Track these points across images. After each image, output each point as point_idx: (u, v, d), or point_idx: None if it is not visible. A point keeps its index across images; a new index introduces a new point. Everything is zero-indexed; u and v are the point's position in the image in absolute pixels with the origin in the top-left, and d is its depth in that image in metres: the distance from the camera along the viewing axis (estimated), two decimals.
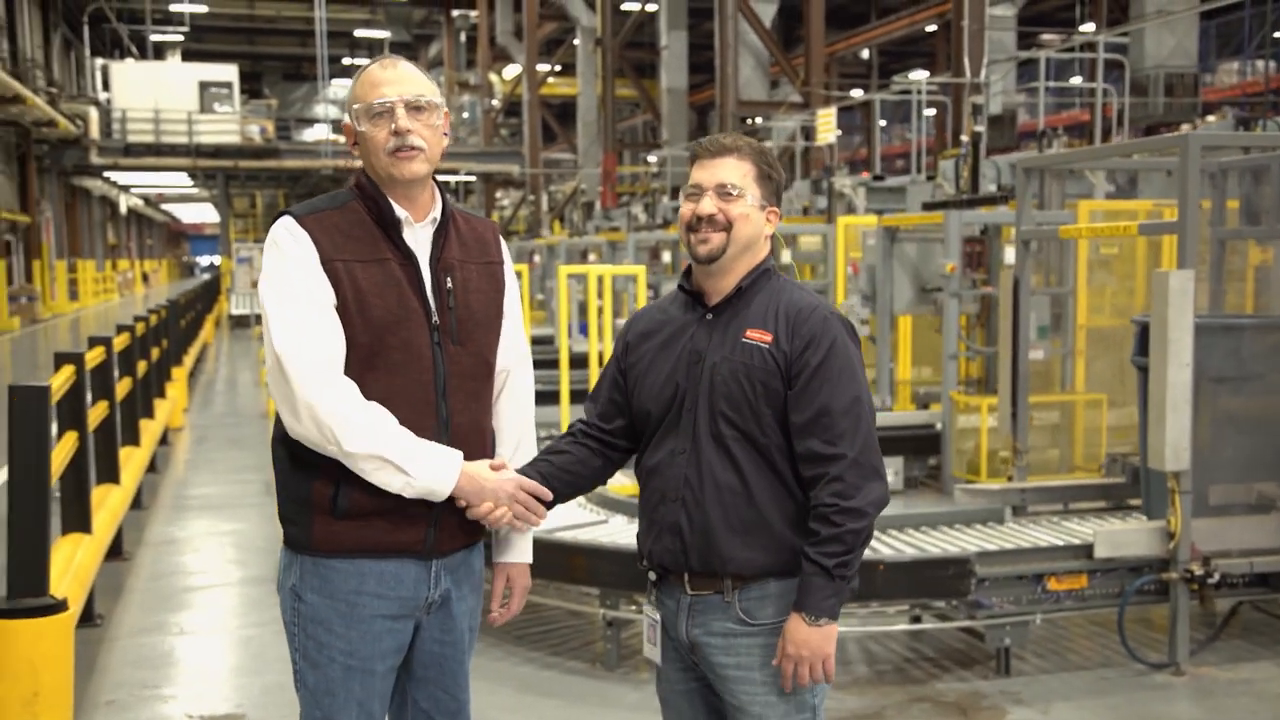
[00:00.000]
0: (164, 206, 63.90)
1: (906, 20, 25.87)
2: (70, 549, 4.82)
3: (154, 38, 40.68)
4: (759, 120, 18.90)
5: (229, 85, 36.17)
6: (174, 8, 39.31)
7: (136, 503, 7.56)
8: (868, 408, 2.32)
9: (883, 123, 32.86)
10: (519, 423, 2.56)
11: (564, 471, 2.47)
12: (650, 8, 25.00)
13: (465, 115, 38.89)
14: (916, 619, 5.00)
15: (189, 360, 14.21)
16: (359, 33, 44.33)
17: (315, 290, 2.27)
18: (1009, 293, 6.24)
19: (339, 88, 50.04)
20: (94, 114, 33.25)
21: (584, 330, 10.72)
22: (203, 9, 40.13)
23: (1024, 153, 11.68)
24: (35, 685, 3.63)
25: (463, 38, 40.31)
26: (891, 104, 27.89)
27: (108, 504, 5.84)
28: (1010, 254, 7.09)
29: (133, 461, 7.07)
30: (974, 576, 4.58)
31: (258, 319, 20.44)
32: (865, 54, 34.91)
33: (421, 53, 45.99)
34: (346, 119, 2.40)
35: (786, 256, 12.09)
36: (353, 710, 2.36)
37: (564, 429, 6.73)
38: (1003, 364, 6.25)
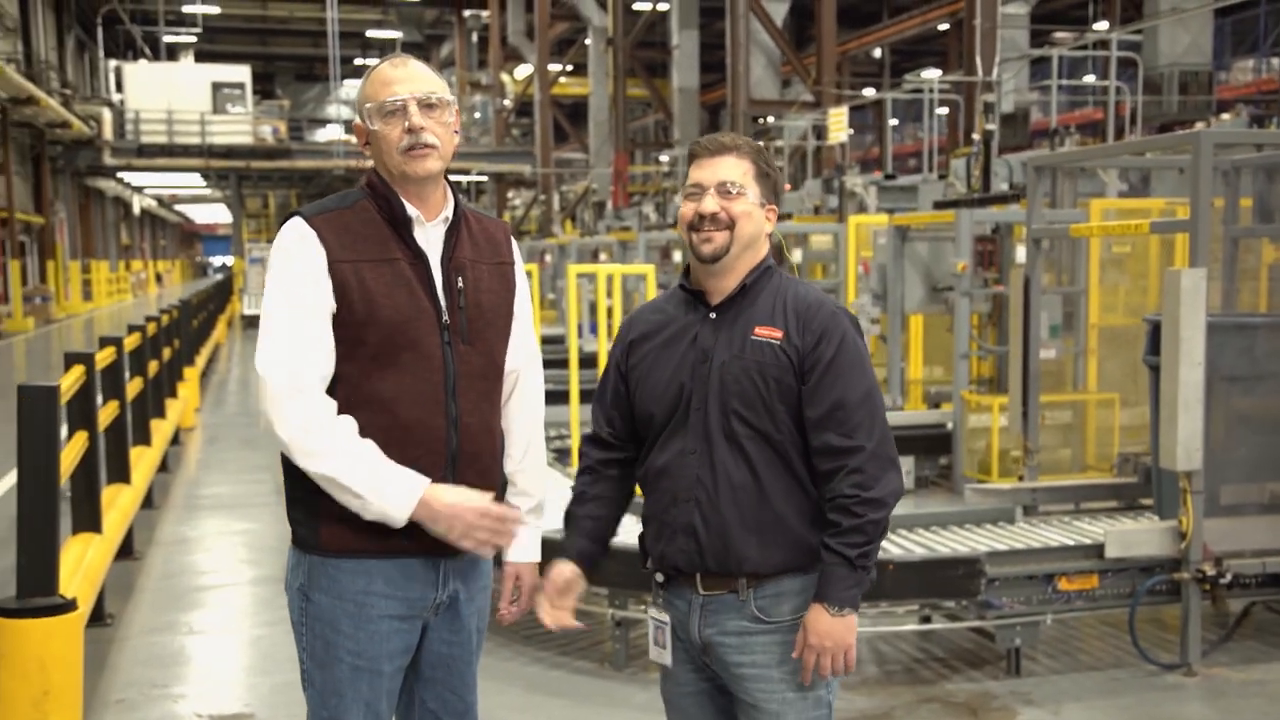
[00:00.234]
0: (177, 207, 64.13)
1: (919, 19, 25.82)
2: (80, 548, 4.83)
3: (167, 39, 40.87)
4: (770, 119, 18.88)
5: (241, 86, 36.31)
6: (187, 9, 39.47)
7: (148, 502, 7.58)
8: (879, 399, 2.34)
9: (895, 122, 32.81)
10: (528, 425, 2.55)
11: (608, 520, 2.49)
12: (662, 7, 24.99)
13: (477, 115, 38.98)
14: (926, 619, 4.98)
15: (201, 360, 14.25)
16: (371, 33, 44.42)
17: (313, 298, 2.27)
18: (1020, 292, 6.22)
19: (351, 88, 50.11)
20: (107, 115, 33.45)
21: (593, 330, 10.72)
22: (215, 10, 40.29)
23: (1036, 151, 11.65)
24: (45, 684, 3.64)
25: (474, 38, 40.35)
26: (904, 103, 27.85)
27: (118, 503, 5.85)
28: (1022, 253, 7.06)
29: (144, 461, 7.10)
30: (984, 576, 4.56)
31: None
32: (877, 53, 34.83)
33: (433, 53, 46.06)
34: (358, 118, 2.40)
35: (797, 256, 12.08)
36: (360, 710, 2.35)
37: (574, 429, 6.77)
38: (1013, 363, 6.23)
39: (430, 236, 2.36)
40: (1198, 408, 4.58)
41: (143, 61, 39.36)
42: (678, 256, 14.75)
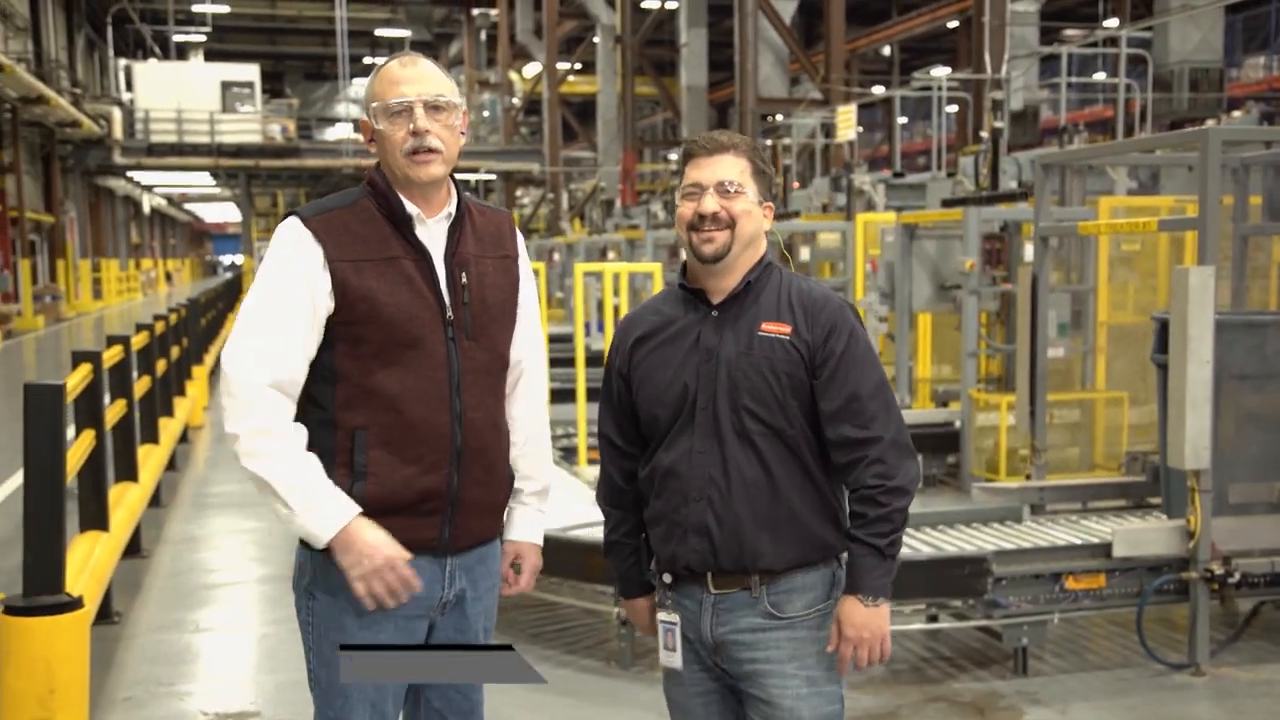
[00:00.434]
0: (187, 206, 64.31)
1: (928, 16, 25.75)
2: (87, 547, 4.84)
3: (176, 38, 40.98)
4: (779, 117, 18.84)
5: (251, 85, 36.40)
6: (196, 8, 39.58)
7: (156, 500, 7.61)
8: (890, 390, 2.37)
9: (904, 119, 32.74)
10: (532, 418, 2.55)
11: (644, 542, 2.52)
12: (670, 5, 24.96)
13: (485, 113, 39.02)
14: (933, 618, 4.97)
15: (210, 358, 14.26)
16: (380, 32, 44.50)
17: (297, 300, 2.26)
18: (1028, 290, 6.20)
19: (360, 87, 49.81)
20: (117, 114, 33.54)
21: (600, 328, 10.72)
22: (225, 9, 40.38)
23: (1044, 149, 11.61)
24: (51, 682, 3.64)
25: (483, 36, 40.38)
26: (913, 101, 27.78)
27: (126, 502, 5.86)
28: (1030, 251, 7.04)
29: (152, 459, 7.11)
30: (991, 575, 4.55)
31: None
32: (886, 50, 34.80)
33: (442, 51, 46.10)
34: (355, 113, 2.39)
35: (805, 254, 12.06)
36: (366, 710, 2.35)
37: (580, 427, 6.77)
38: (1021, 362, 6.21)
39: (433, 233, 2.36)
40: (1206, 406, 4.56)
41: (152, 60, 39.49)
42: (685, 254, 14.73)
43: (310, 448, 2.29)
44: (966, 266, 7.75)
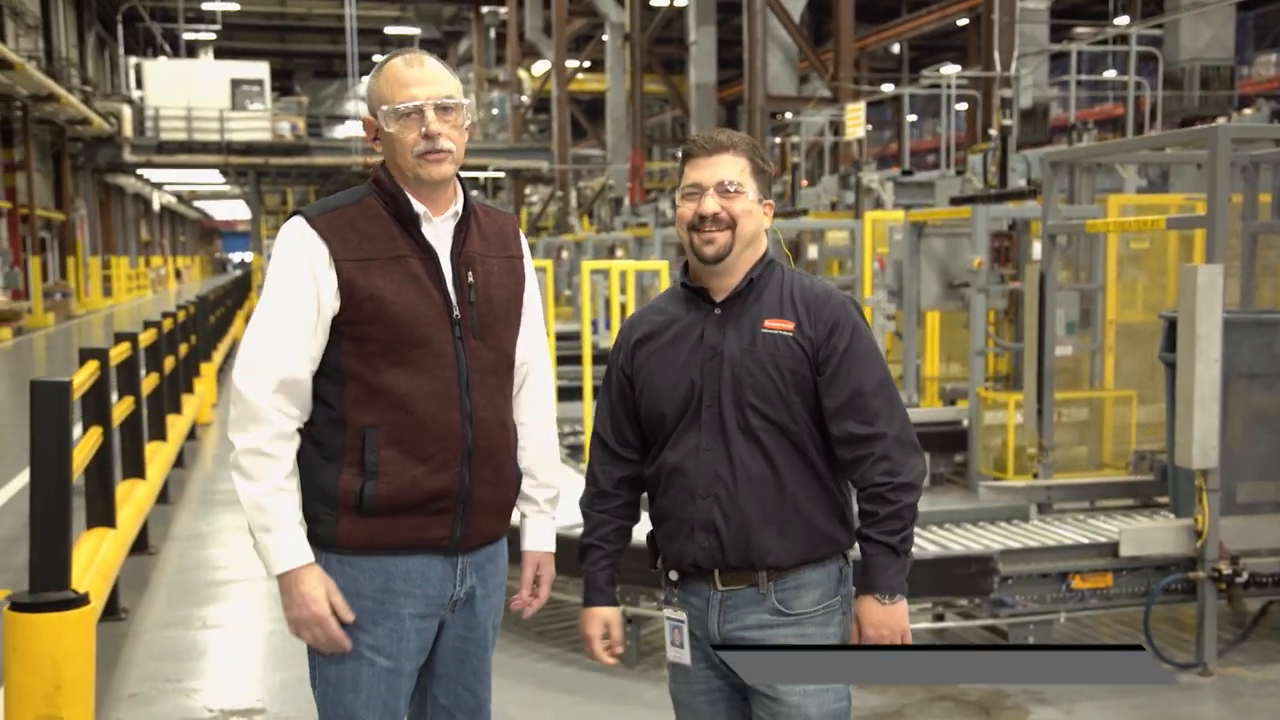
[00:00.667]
0: (196, 203, 64.46)
1: (937, 14, 25.69)
2: (94, 543, 4.85)
3: (186, 36, 41.07)
4: (788, 115, 18.81)
5: (260, 83, 36.48)
6: (206, 6, 39.67)
7: (163, 497, 7.62)
8: (894, 386, 2.37)
9: (913, 117, 32.68)
10: (541, 417, 2.55)
11: (622, 551, 2.51)
12: (679, 3, 24.95)
13: (495, 111, 39.01)
14: (939, 617, 4.96)
15: (218, 356, 14.30)
16: (389, 30, 44.53)
17: (304, 305, 2.27)
18: (1036, 288, 6.18)
19: None
20: (127, 112, 33.65)
21: (608, 326, 10.71)
22: (235, 7, 40.47)
23: (1054, 147, 11.57)
24: (57, 678, 3.65)
25: (492, 34, 40.41)
26: (922, 98, 27.72)
27: (133, 499, 5.87)
28: (1038, 249, 7.02)
29: (159, 456, 7.12)
30: (997, 575, 4.54)
31: None
32: (896, 48, 34.71)
33: (451, 49, 46.15)
34: (364, 111, 2.39)
35: (813, 252, 12.04)
36: (377, 710, 2.35)
37: (587, 425, 6.76)
38: (1029, 360, 6.19)
39: (439, 232, 2.36)
40: (1214, 405, 4.54)
41: (162, 58, 39.61)
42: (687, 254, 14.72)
43: (320, 446, 2.30)
44: (975, 264, 7.73)
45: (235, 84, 35.80)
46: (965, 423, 7.92)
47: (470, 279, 2.36)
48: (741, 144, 2.38)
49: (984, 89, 14.85)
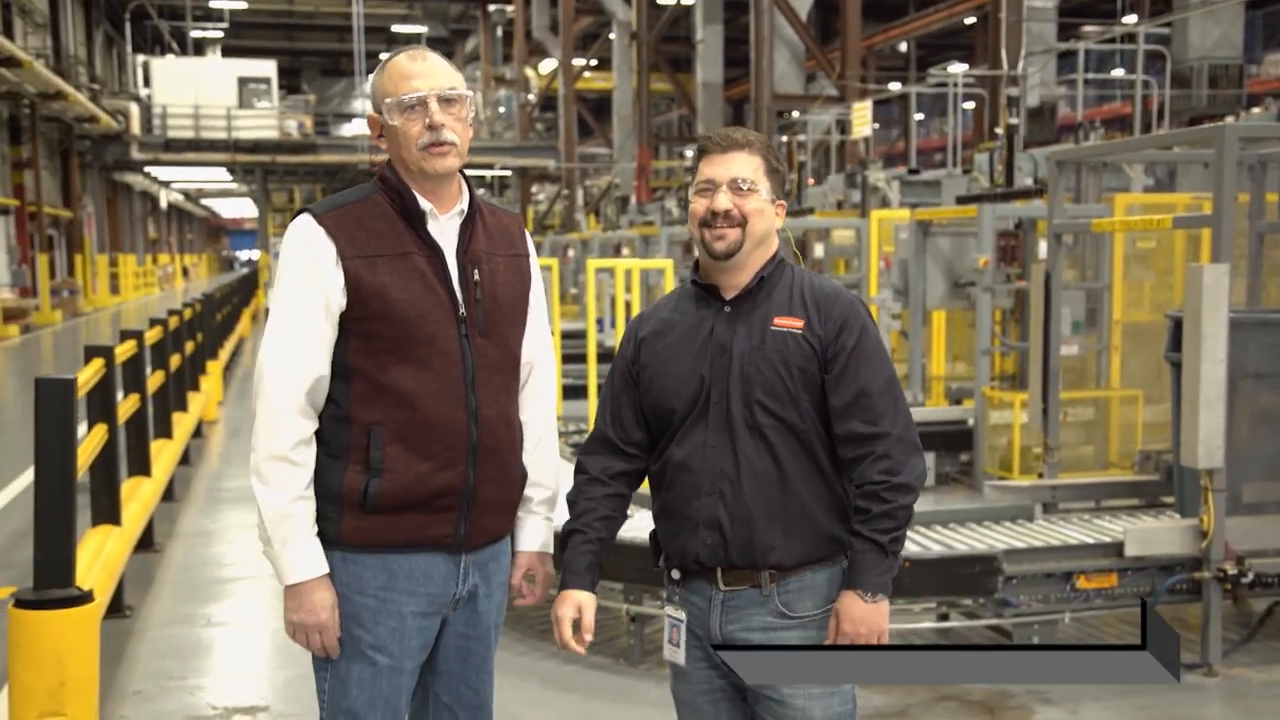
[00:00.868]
0: (203, 201, 64.54)
1: (945, 12, 25.67)
2: (99, 540, 4.85)
3: (194, 34, 41.15)
4: (794, 114, 18.79)
5: (267, 81, 36.54)
6: (214, 4, 39.73)
7: (169, 495, 7.63)
8: (900, 386, 2.37)
9: (920, 116, 32.62)
10: (542, 416, 2.55)
11: (609, 541, 2.47)
12: (686, 2, 24.92)
13: (501, 110, 38.99)
14: (944, 617, 4.95)
15: (225, 354, 14.32)
16: (396, 28, 44.56)
17: (316, 300, 2.27)
18: (1042, 287, 6.17)
19: None
20: (135, 110, 33.72)
21: (613, 324, 10.71)
22: (242, 5, 40.53)
23: (1061, 145, 11.55)
24: (61, 675, 3.65)
25: (499, 32, 40.41)
26: (929, 97, 27.66)
27: (138, 496, 5.88)
28: (1044, 248, 7.00)
29: (165, 454, 7.13)
30: (1002, 574, 4.53)
31: None
32: (903, 47, 34.66)
33: (458, 47, 46.15)
34: (370, 109, 2.40)
35: (819, 251, 12.02)
36: (379, 707, 2.36)
37: (591, 423, 6.75)
38: (1034, 359, 6.18)
39: (445, 229, 2.36)
40: (1219, 405, 4.53)
41: (170, 56, 39.68)
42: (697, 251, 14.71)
43: (325, 444, 2.31)
44: (981, 263, 7.72)
45: (242, 82, 35.85)
46: (970, 422, 7.90)
47: (476, 277, 2.36)
48: (756, 143, 2.39)
49: (991, 87, 14.81)
